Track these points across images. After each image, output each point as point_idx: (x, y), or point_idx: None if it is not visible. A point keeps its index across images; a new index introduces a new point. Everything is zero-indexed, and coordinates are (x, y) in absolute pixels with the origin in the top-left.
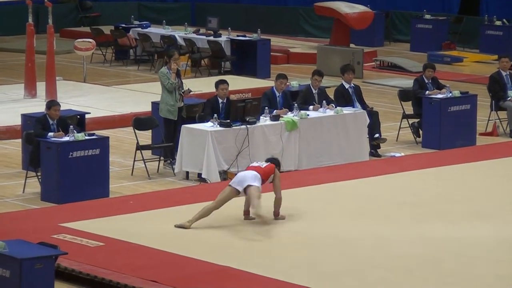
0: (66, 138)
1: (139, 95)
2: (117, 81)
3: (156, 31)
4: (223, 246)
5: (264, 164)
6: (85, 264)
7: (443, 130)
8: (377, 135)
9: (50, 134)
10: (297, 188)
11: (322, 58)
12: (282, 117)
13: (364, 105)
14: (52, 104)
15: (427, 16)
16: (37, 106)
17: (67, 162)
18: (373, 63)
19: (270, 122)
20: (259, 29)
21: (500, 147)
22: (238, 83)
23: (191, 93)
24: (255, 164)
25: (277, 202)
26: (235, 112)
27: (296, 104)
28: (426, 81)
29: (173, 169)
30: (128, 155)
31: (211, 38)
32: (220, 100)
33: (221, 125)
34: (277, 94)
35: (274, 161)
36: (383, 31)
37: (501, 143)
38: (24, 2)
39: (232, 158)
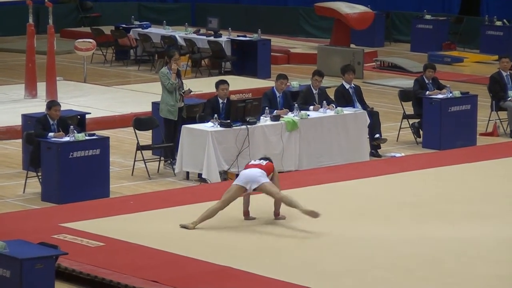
0: (67, 138)
1: (140, 95)
2: (118, 81)
3: (156, 31)
4: (224, 246)
5: (264, 162)
6: (85, 264)
7: (444, 130)
8: (377, 135)
9: (51, 134)
10: (297, 188)
11: (323, 58)
12: (283, 117)
13: (364, 105)
14: (52, 104)
15: (428, 17)
16: (38, 106)
17: (67, 162)
18: (374, 63)
19: (271, 122)
20: (259, 29)
21: (500, 148)
22: (239, 83)
23: (191, 93)
24: (254, 162)
25: (278, 202)
26: (235, 112)
27: (296, 104)
28: (427, 81)
29: (174, 169)
30: (128, 155)
31: (212, 38)
32: (221, 100)
33: (221, 125)
34: (278, 94)
35: (270, 160)
36: (383, 32)
37: (502, 143)
38: (24, 3)
39: (233, 158)
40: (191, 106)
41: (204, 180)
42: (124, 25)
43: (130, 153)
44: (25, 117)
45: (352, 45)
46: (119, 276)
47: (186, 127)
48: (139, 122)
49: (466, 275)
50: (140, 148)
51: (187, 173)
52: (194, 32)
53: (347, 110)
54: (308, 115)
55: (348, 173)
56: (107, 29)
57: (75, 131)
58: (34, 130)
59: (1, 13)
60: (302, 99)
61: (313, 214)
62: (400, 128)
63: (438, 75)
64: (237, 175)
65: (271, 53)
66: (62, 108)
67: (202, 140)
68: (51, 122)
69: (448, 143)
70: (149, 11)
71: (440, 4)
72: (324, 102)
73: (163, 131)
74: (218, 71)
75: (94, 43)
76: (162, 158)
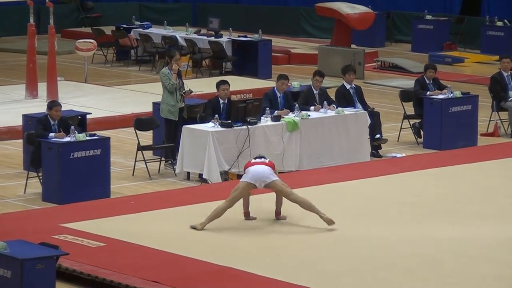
0: (67, 139)
1: (140, 95)
2: (118, 81)
3: (157, 31)
4: (224, 247)
5: (266, 160)
6: (86, 265)
7: (444, 130)
8: (378, 135)
9: (51, 134)
10: (298, 189)
11: (323, 58)
12: (283, 117)
13: (365, 106)
14: (53, 104)
15: (428, 17)
16: (38, 106)
17: (68, 163)
18: (374, 63)
19: (271, 123)
20: (260, 30)
21: (501, 148)
22: (239, 84)
23: (192, 93)
24: (256, 160)
25: (280, 201)
26: (236, 113)
27: (297, 105)
28: (427, 81)
29: (174, 170)
30: (129, 156)
31: (212, 38)
32: (221, 101)
33: (222, 125)
34: (278, 94)
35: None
36: (384, 32)
37: (502, 143)
38: (25, 3)
39: (233, 159)
40: (192, 106)
41: (205, 181)
42: (125, 25)
43: (131, 153)
44: (26, 117)
45: (352, 46)
46: (120, 277)
47: (186, 127)
48: (140, 122)
49: (466, 275)
50: (141, 148)
51: (188, 173)
52: (195, 33)
53: (347, 111)
54: (309, 115)
55: (348, 173)
56: (108, 29)
57: (76, 131)
58: (35, 131)
59: (2, 13)
60: (303, 99)
61: (330, 222)
62: (401, 128)
63: (439, 76)
64: (238, 175)
65: (272, 53)
66: (63, 109)
67: (203, 140)
68: (52, 122)
69: (448, 144)
70: (150, 11)
71: (441, 4)
72: (325, 102)
73: (164, 132)
74: (219, 72)
75: (95, 44)
76: (162, 159)
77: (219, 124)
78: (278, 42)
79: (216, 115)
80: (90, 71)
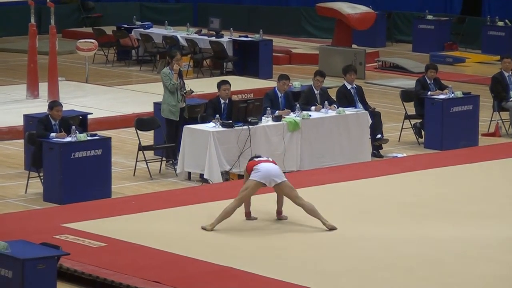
0: (68, 139)
1: (141, 95)
2: (119, 81)
3: (158, 31)
4: (225, 247)
5: (270, 158)
6: (87, 265)
7: (445, 130)
8: (379, 135)
9: (52, 134)
10: (299, 189)
11: (324, 58)
12: (284, 117)
13: (366, 106)
14: (54, 104)
15: (429, 17)
16: (40, 106)
17: (69, 163)
18: (375, 63)
19: (272, 123)
20: (261, 30)
21: (502, 148)
22: (240, 84)
23: (193, 93)
24: (262, 158)
25: (281, 201)
26: (237, 113)
27: (298, 105)
28: (428, 81)
29: (175, 170)
30: (130, 156)
31: (213, 38)
32: (222, 101)
33: (223, 125)
34: (279, 94)
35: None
36: (385, 32)
37: (503, 143)
38: (26, 3)
39: (234, 159)
40: (193, 107)
41: (206, 181)
42: (125, 25)
43: (132, 153)
44: (27, 117)
45: (353, 46)
46: (121, 277)
47: (187, 128)
48: (141, 122)
49: (467, 275)
50: (142, 148)
51: (189, 173)
52: (195, 33)
53: (348, 111)
54: (310, 115)
55: (349, 173)
56: (108, 30)
57: (77, 131)
58: (36, 131)
59: (3, 13)
60: (304, 99)
61: (332, 229)
62: (402, 128)
63: (440, 76)
64: (239, 176)
65: (273, 54)
66: (64, 109)
67: (204, 140)
68: (53, 122)
69: (449, 144)
70: (150, 11)
71: (442, 4)
72: (326, 102)
73: (165, 132)
74: (220, 72)
75: (96, 44)
76: (164, 159)
77: (220, 124)
78: (279, 42)
79: (217, 115)
80: (91, 71)
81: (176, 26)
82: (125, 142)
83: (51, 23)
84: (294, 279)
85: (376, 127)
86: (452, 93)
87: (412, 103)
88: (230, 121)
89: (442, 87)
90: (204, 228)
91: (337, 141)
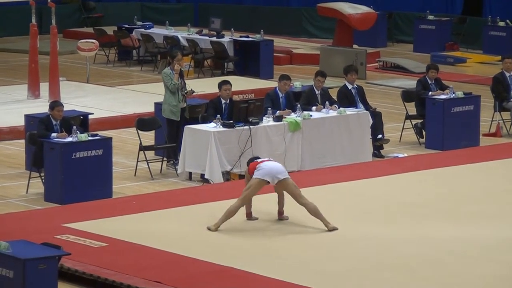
0: (69, 139)
1: (142, 95)
2: (120, 81)
3: (159, 31)
4: (226, 247)
5: (272, 159)
6: (88, 265)
7: (446, 131)
8: (380, 135)
9: (53, 134)
10: (300, 189)
11: (325, 58)
12: (285, 117)
13: (367, 106)
14: (55, 104)
15: (430, 17)
16: (41, 106)
17: (70, 163)
18: (376, 64)
19: (273, 123)
20: (262, 30)
21: (503, 148)
22: (241, 84)
23: (194, 93)
24: (264, 158)
25: (282, 201)
26: (238, 113)
27: (299, 105)
28: (429, 81)
29: (176, 170)
30: (131, 156)
31: (214, 38)
32: (223, 101)
33: (224, 125)
34: (280, 94)
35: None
36: (386, 32)
37: (505, 144)
38: (27, 3)
39: (235, 159)
40: (194, 107)
41: (207, 181)
42: (126, 26)
43: (133, 153)
44: (28, 117)
45: (354, 46)
46: (122, 277)
47: (188, 128)
48: (141, 122)
49: (467, 275)
50: (142, 148)
51: (190, 173)
52: (196, 33)
53: (349, 111)
54: (311, 115)
55: (350, 173)
56: (109, 30)
57: (78, 131)
58: (37, 131)
59: (4, 13)
60: (305, 99)
61: (334, 230)
62: (403, 128)
63: (441, 76)
64: (240, 176)
65: (274, 54)
66: (65, 109)
67: (204, 140)
68: (54, 122)
69: (451, 144)
70: (151, 11)
71: (443, 4)
72: (327, 102)
73: (166, 132)
74: (221, 72)
75: (97, 44)
76: (164, 159)
77: (221, 124)
78: (280, 42)
79: (218, 115)
80: (92, 71)
81: (177, 26)
82: (126, 142)
83: (52, 23)
84: (295, 279)
85: (377, 127)
86: (453, 93)
87: (413, 103)
88: (231, 121)
89: (443, 87)
90: (209, 228)
91: (338, 141)
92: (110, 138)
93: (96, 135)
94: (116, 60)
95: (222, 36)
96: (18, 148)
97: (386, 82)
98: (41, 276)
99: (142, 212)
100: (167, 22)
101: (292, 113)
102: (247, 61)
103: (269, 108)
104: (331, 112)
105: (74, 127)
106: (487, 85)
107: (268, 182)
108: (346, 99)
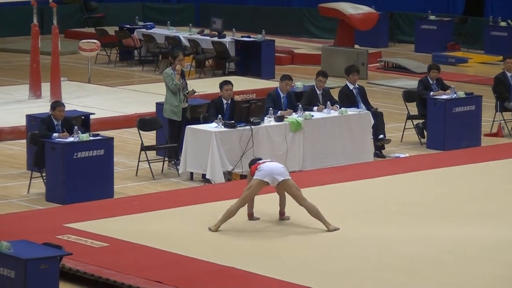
0: (71, 139)
1: (144, 95)
2: (122, 81)
3: (160, 32)
4: (227, 247)
5: (273, 159)
6: (89, 265)
7: (448, 131)
8: (381, 136)
9: (55, 134)
10: (301, 189)
11: (327, 59)
12: (287, 118)
13: (368, 106)
14: (56, 104)
15: (432, 17)
16: (42, 106)
17: (71, 163)
18: (378, 64)
19: (275, 123)
20: (263, 30)
21: (505, 148)
22: (243, 84)
23: (195, 93)
24: (266, 160)
25: (283, 201)
26: (239, 113)
27: (300, 105)
28: (431, 82)
29: (178, 170)
30: (132, 156)
31: (216, 39)
32: (225, 101)
33: (225, 125)
34: (282, 95)
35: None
36: (387, 32)
37: (506, 144)
38: (29, 3)
39: (237, 159)
40: (195, 107)
41: (208, 181)
42: (128, 26)
43: (134, 153)
44: (30, 117)
45: (356, 46)
46: (123, 277)
47: (190, 128)
48: (143, 122)
49: (467, 275)
50: (144, 148)
51: (191, 173)
52: (198, 33)
53: (351, 111)
54: (312, 115)
55: (352, 173)
56: (111, 30)
57: (79, 131)
58: (38, 131)
59: (5, 13)
60: (306, 99)
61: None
62: (404, 128)
63: (442, 76)
64: (241, 176)
65: (275, 54)
66: (66, 109)
67: (206, 140)
68: (56, 122)
69: (452, 144)
70: (153, 11)
71: (444, 4)
72: (328, 102)
73: (167, 132)
74: (222, 72)
75: (98, 44)
76: (166, 159)
77: (222, 125)
78: (281, 42)
79: (220, 115)
80: (94, 71)
81: (178, 26)
82: (127, 142)
83: (53, 24)
84: (296, 279)
85: (378, 127)
86: (455, 93)
87: (415, 103)
88: (232, 121)
89: (444, 88)
90: (210, 229)
91: (340, 141)
92: (112, 138)
93: (98, 135)
94: (117, 60)
95: (224, 36)
96: (19, 148)
97: (388, 82)
98: (42, 276)
99: (144, 212)
100: (168, 22)
101: (294, 113)
102: (248, 61)
103: (271, 108)
104: (333, 112)
105: (76, 127)
106: (488, 85)
107: (268, 183)
108: (347, 99)
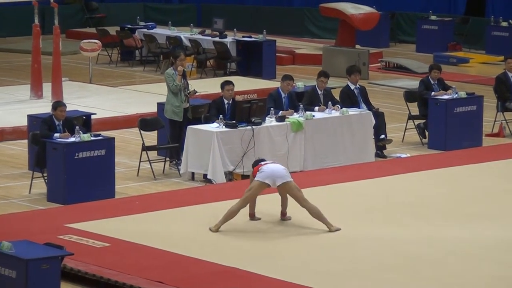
0: (72, 139)
1: (145, 96)
2: (123, 82)
3: (161, 32)
4: (228, 247)
5: (275, 159)
6: (91, 265)
7: (449, 131)
8: (382, 136)
9: (56, 135)
10: (302, 189)
11: (328, 59)
12: (288, 118)
13: (369, 106)
14: (58, 105)
15: (433, 17)
16: (43, 107)
17: (73, 163)
18: (379, 64)
19: (276, 123)
20: (264, 30)
21: (506, 148)
22: (244, 84)
23: (196, 94)
24: (268, 161)
25: (285, 202)
26: (240, 113)
27: (301, 105)
28: (432, 82)
29: (179, 170)
30: (133, 156)
31: (217, 39)
32: (226, 101)
33: (226, 126)
34: (283, 95)
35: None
36: (388, 32)
37: (507, 144)
38: (30, 3)
39: (238, 159)
40: (197, 107)
41: (210, 181)
42: (129, 26)
43: (136, 153)
44: (31, 117)
45: (357, 46)
46: (124, 277)
47: (191, 128)
48: (144, 122)
49: (468, 276)
50: (145, 148)
51: (193, 173)
52: (199, 33)
53: (352, 111)
54: (313, 115)
55: (353, 173)
56: (112, 30)
57: (80, 131)
58: (39, 131)
59: (6, 13)
60: (307, 99)
61: (334, 228)
62: (406, 128)
63: (443, 76)
64: (242, 176)
65: (276, 54)
66: (67, 109)
67: (207, 140)
68: (57, 122)
69: (453, 144)
70: (154, 11)
71: (446, 4)
72: (329, 102)
73: (168, 132)
74: (223, 72)
75: (100, 44)
76: (167, 159)
77: (223, 125)
78: (283, 42)
79: (221, 116)
80: (95, 71)
81: (179, 26)
82: (128, 142)
83: (54, 24)
84: (298, 280)
85: (379, 127)
86: (456, 93)
87: (416, 103)
88: (234, 122)
89: (445, 88)
90: (210, 229)
91: (341, 141)
92: (113, 138)
93: (99, 135)
94: (118, 61)
95: (225, 37)
96: (21, 148)
97: (389, 82)
98: (43, 276)
99: (145, 212)
100: (169, 22)
101: (295, 113)
102: (249, 61)
103: (272, 108)
104: (334, 113)
105: (77, 127)
106: (489, 85)
107: (269, 185)
108: (348, 99)
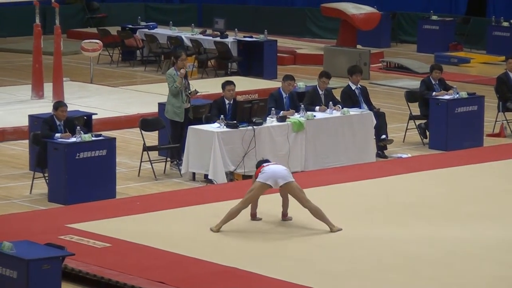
0: (73, 139)
1: (146, 96)
2: (124, 82)
3: (162, 32)
4: (229, 247)
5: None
6: (92, 265)
7: (450, 131)
8: (383, 136)
9: (57, 135)
10: (303, 189)
11: (329, 59)
12: (289, 118)
13: (370, 106)
14: (59, 105)
15: (434, 17)
16: (44, 107)
17: (74, 163)
18: (380, 64)
19: (277, 123)
20: (265, 30)
21: (507, 148)
22: (245, 84)
23: (197, 94)
24: (271, 162)
25: (286, 203)
26: (241, 113)
27: (302, 105)
28: (433, 82)
29: (180, 170)
30: (134, 156)
31: (218, 39)
32: (227, 101)
33: (227, 126)
34: (284, 95)
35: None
36: (389, 32)
37: (508, 144)
38: (31, 3)
39: (239, 159)
40: (198, 107)
41: (210, 181)
42: (130, 26)
43: (137, 153)
44: (32, 117)
45: (358, 46)
46: (126, 277)
47: (192, 128)
48: (145, 122)
49: (469, 276)
50: (146, 148)
51: (193, 174)
52: (200, 33)
53: (353, 111)
54: (314, 116)
55: (354, 174)
56: (113, 30)
57: (81, 131)
58: (40, 131)
59: (8, 13)
60: (308, 100)
61: (335, 228)
62: (407, 129)
63: (444, 76)
64: (243, 176)
65: (278, 54)
66: (68, 109)
67: (208, 141)
68: (58, 122)
69: (454, 144)
70: (155, 11)
71: (447, 4)
72: (330, 103)
73: (169, 132)
74: (225, 72)
75: (101, 44)
76: (168, 159)
77: (224, 125)
78: (284, 42)
79: (222, 116)
80: (96, 71)
81: (180, 26)
82: (129, 142)
83: (56, 24)
84: (299, 280)
85: (380, 127)
86: (457, 93)
87: (417, 103)
88: (235, 122)
89: (446, 88)
90: (211, 229)
91: (342, 141)
92: (114, 139)
93: (100, 135)
94: (119, 61)
95: (226, 37)
96: (22, 148)
97: (390, 82)
98: (44, 277)
99: (146, 212)
100: (171, 22)
101: (296, 114)
102: (250, 62)
103: (273, 109)
104: (335, 113)
105: (78, 127)
106: (491, 86)
107: (271, 186)
108: (349, 99)
